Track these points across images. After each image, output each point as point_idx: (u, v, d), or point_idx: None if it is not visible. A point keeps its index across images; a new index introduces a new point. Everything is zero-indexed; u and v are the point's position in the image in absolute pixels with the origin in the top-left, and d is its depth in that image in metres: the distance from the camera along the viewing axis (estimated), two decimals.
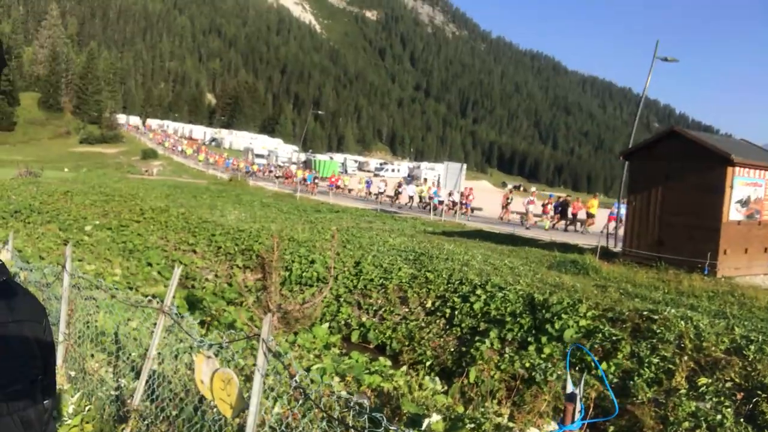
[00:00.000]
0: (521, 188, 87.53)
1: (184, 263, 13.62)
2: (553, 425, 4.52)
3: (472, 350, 8.41)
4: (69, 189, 23.24)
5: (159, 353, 3.80)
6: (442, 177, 26.42)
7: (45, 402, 0.79)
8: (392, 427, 1.88)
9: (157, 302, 3.74)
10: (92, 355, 4.78)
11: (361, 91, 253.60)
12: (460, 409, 4.46)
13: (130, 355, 4.63)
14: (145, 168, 49.66)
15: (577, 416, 1.41)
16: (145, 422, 3.77)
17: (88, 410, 4.14)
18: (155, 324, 3.75)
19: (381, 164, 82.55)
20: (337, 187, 40.73)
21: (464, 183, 26.48)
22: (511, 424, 4.04)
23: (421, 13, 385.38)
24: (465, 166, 25.45)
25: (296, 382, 2.25)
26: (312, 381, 2.27)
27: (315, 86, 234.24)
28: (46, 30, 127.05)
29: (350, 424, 2.19)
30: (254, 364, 2.51)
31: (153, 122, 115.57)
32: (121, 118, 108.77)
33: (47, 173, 37.34)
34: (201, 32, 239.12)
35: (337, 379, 5.34)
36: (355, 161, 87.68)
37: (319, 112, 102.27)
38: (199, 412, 3.37)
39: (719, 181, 11.50)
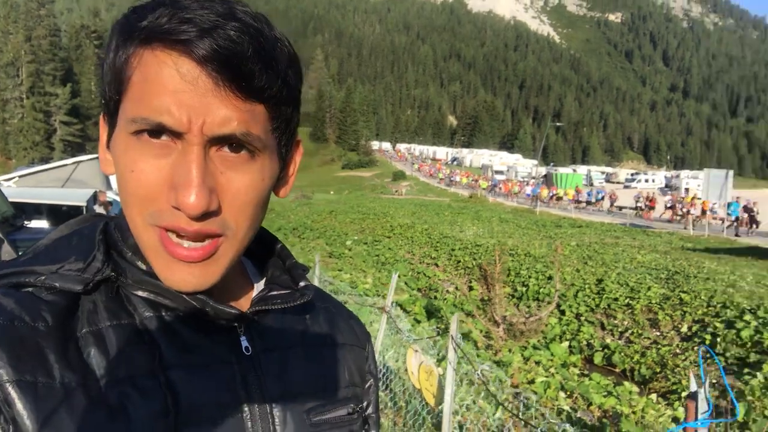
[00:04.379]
0: None
1: (428, 275, 14.54)
2: None
3: (739, 384, 7.34)
4: (333, 209, 26.69)
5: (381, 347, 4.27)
6: (703, 187, 23.23)
7: None
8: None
9: (381, 303, 4.24)
10: None
11: (606, 97, 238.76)
12: None
13: None
14: (395, 189, 53.96)
15: (701, 415, 1.38)
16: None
17: None
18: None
19: (632, 174, 75.86)
20: None
21: (733, 192, 22.87)
22: None
23: (674, 8, 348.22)
24: (732, 173, 21.99)
25: (479, 374, 2.40)
26: (498, 377, 2.38)
27: (555, 98, 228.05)
28: (313, 73, 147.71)
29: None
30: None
31: (401, 146, 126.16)
32: (375, 144, 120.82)
33: (317, 196, 43.31)
34: (442, 58, 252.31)
35: (563, 395, 5.21)
36: (602, 173, 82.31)
37: (559, 123, 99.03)
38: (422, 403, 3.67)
39: None
